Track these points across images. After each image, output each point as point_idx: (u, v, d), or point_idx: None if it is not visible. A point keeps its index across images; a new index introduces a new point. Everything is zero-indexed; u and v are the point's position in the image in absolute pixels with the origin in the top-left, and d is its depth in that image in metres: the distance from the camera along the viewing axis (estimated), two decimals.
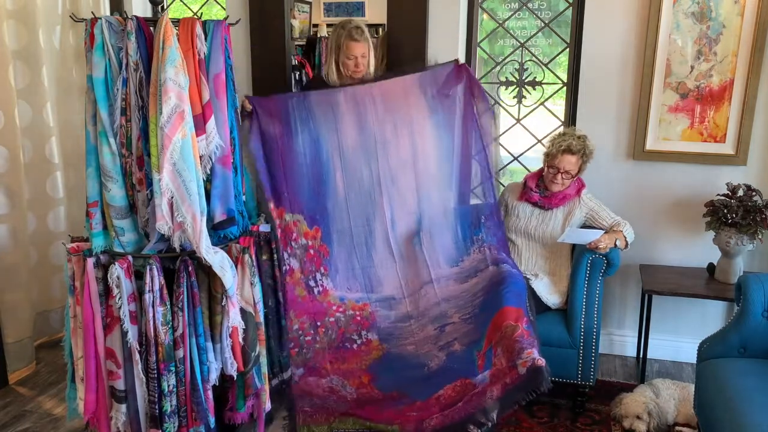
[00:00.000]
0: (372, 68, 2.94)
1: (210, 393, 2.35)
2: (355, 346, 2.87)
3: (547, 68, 3.39)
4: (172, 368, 2.24)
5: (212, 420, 2.35)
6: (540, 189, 3.01)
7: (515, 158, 3.63)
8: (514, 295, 2.67)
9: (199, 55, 2.25)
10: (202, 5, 3.88)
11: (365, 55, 2.88)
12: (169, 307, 2.23)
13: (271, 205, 2.81)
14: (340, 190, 2.91)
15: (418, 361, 2.79)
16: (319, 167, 2.89)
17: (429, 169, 2.96)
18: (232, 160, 2.41)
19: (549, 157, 2.98)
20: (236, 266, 2.38)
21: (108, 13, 3.53)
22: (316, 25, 5.08)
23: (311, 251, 2.89)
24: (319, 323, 2.84)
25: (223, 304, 2.29)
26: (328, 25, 5.00)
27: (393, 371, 2.78)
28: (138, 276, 2.25)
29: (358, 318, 2.89)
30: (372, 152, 2.92)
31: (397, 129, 2.93)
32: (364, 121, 2.89)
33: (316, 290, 2.87)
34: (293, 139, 2.85)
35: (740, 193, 2.96)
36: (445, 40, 3.30)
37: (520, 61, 3.40)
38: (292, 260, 2.84)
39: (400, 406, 2.70)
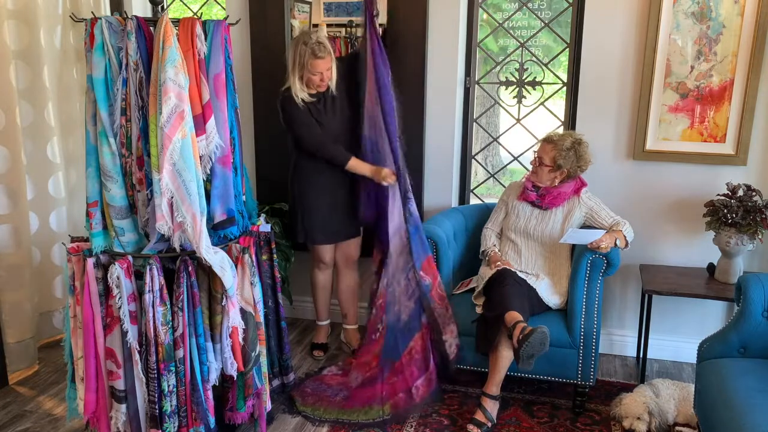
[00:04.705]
0: (335, 78, 2.98)
1: (210, 393, 2.35)
2: (375, 336, 3.05)
3: (547, 68, 3.39)
4: (172, 368, 2.25)
5: (212, 420, 2.35)
6: (536, 188, 3.02)
7: (515, 158, 3.63)
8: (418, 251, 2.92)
9: (199, 55, 2.25)
10: (202, 5, 3.88)
11: (329, 68, 2.93)
12: (169, 307, 2.23)
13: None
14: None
15: (397, 318, 2.97)
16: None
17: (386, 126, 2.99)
18: (232, 160, 2.41)
19: None
20: (236, 266, 2.38)
21: (108, 13, 3.54)
22: (316, 25, 5.06)
23: None
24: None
25: (223, 304, 2.30)
26: (329, 25, 5.00)
27: (388, 343, 2.97)
28: (138, 276, 2.26)
29: (380, 302, 3.05)
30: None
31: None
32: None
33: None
34: None
35: (740, 193, 2.96)
36: (445, 40, 3.30)
37: (520, 61, 3.41)
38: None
39: (385, 375, 2.92)
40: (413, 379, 2.88)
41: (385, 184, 2.98)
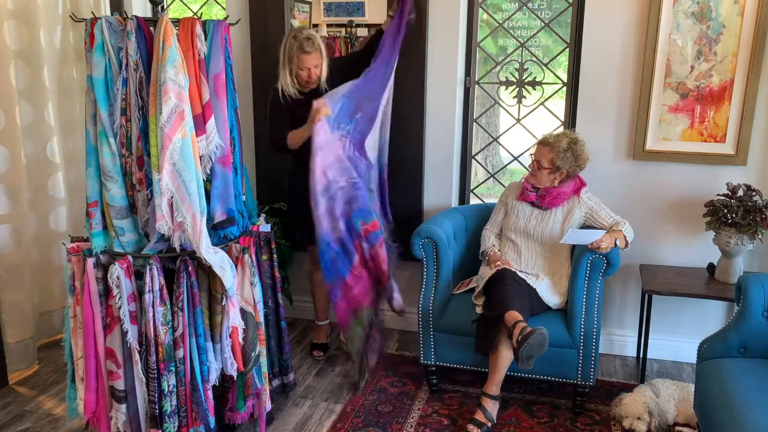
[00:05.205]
0: (324, 76, 2.97)
1: (210, 393, 2.35)
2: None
3: (547, 68, 3.39)
4: (172, 368, 2.25)
5: (212, 420, 2.35)
6: (536, 189, 3.02)
7: (515, 158, 3.63)
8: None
9: (199, 55, 2.25)
10: (202, 5, 3.88)
11: (318, 65, 2.90)
12: (169, 307, 2.23)
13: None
14: None
15: (327, 241, 2.65)
16: None
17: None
18: (232, 160, 2.41)
19: None
20: (236, 266, 2.38)
21: (108, 13, 3.54)
22: (316, 25, 5.07)
23: None
24: None
25: (223, 304, 2.30)
26: (329, 25, 5.00)
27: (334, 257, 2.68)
28: (138, 276, 2.26)
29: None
30: None
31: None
32: None
33: None
34: None
35: (740, 193, 2.96)
36: (445, 40, 3.30)
37: (520, 61, 3.41)
38: None
39: (338, 294, 2.63)
40: (366, 284, 2.69)
41: (320, 117, 2.65)
